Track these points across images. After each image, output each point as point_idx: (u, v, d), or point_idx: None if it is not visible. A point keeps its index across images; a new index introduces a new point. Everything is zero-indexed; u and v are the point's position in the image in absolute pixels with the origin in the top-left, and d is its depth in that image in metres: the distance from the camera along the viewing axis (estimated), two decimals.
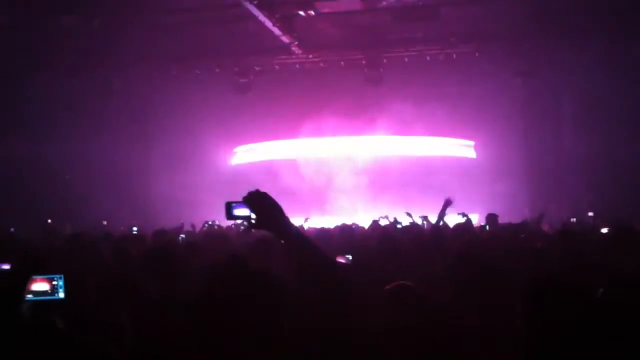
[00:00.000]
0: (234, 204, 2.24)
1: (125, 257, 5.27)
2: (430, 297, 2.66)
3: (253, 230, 2.23)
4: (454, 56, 13.95)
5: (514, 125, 15.14)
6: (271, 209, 2.17)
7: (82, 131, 14.39)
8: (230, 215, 2.25)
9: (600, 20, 11.81)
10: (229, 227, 10.23)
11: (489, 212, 9.07)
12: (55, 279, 2.91)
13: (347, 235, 7.55)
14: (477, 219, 9.69)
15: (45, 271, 2.93)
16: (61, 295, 2.89)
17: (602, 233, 6.46)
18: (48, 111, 13.83)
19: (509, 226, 7.75)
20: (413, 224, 8.95)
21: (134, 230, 9.49)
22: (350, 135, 16.17)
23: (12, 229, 10.52)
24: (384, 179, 15.43)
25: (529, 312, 2.43)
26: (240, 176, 16.72)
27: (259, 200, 2.17)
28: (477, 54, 13.78)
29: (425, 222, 9.34)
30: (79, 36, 12.13)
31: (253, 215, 2.17)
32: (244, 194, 2.19)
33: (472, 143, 16.86)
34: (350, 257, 4.41)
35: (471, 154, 16.73)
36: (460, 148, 16.81)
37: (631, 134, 13.33)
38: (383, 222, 9.27)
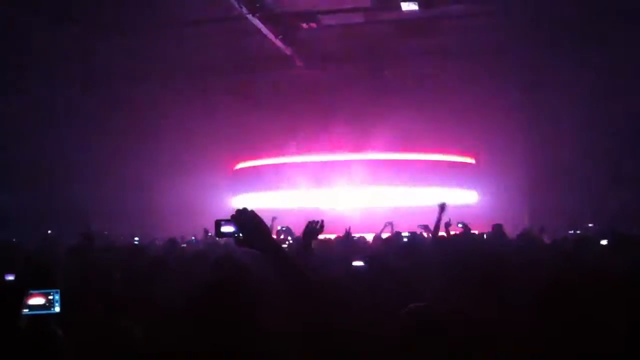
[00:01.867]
0: (222, 222, 2.34)
1: (128, 268, 5.32)
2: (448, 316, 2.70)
3: (239, 246, 2.32)
4: (456, 68, 14.05)
5: (515, 137, 15.17)
6: (257, 228, 2.29)
7: (85, 141, 14.44)
8: (218, 233, 2.35)
9: (600, 33, 11.88)
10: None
11: (495, 223, 9.10)
12: (52, 293, 2.97)
13: (348, 246, 7.58)
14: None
15: (44, 285, 2.98)
16: (57, 309, 2.95)
17: (601, 245, 6.47)
18: (51, 121, 13.90)
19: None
20: (415, 235, 8.96)
21: (135, 241, 9.55)
22: (351, 149, 16.15)
23: (14, 239, 10.55)
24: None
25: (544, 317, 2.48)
26: (242, 186, 16.87)
27: (246, 219, 2.29)
28: (479, 67, 13.88)
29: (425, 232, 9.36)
30: (81, 47, 12.21)
31: (240, 234, 2.28)
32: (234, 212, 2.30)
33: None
34: (362, 262, 4.44)
35: (472, 199, 16.65)
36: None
37: (631, 146, 13.36)
38: (384, 234, 9.26)
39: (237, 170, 17.69)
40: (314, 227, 4.04)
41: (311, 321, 2.27)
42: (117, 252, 6.92)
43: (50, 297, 2.94)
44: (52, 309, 2.93)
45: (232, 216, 2.30)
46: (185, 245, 9.36)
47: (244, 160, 17.37)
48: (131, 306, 3.59)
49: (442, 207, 7.68)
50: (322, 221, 4.10)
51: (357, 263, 4.46)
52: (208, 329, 2.25)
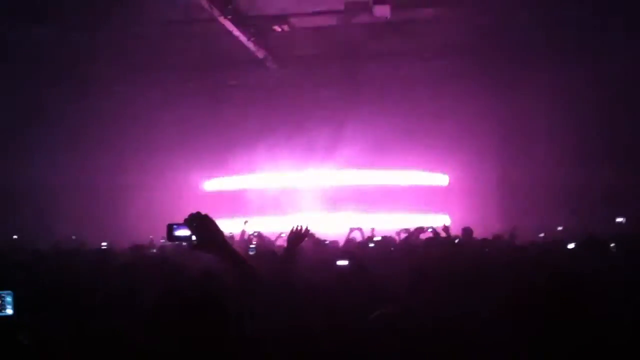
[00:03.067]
0: (175, 226, 2.30)
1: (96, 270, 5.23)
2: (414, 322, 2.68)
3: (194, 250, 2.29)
4: (429, 71, 14.14)
5: (487, 141, 15.29)
6: (211, 231, 2.27)
7: (52, 146, 14.18)
8: (171, 237, 2.31)
9: (577, 40, 12.06)
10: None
11: (464, 226, 9.18)
12: (3, 295, 2.89)
13: (321, 250, 7.55)
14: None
15: None
16: (9, 311, 2.88)
17: (568, 248, 6.52)
18: (19, 124, 13.61)
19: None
20: (387, 238, 8.97)
21: (102, 246, 9.39)
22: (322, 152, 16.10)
23: None
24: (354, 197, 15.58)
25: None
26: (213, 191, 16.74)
27: (199, 222, 2.26)
28: (452, 70, 13.99)
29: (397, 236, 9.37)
30: (52, 48, 12.00)
31: (194, 237, 2.25)
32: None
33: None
34: (347, 262, 4.52)
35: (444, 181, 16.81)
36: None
37: (604, 152, 13.56)
38: (354, 234, 9.25)
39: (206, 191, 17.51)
40: (298, 232, 3.99)
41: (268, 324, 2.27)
42: (84, 256, 6.80)
43: (2, 299, 2.87)
44: (4, 311, 2.86)
45: (186, 220, 2.26)
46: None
47: (213, 177, 17.17)
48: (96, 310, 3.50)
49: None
50: (307, 227, 4.04)
51: (341, 262, 4.55)
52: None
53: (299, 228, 3.98)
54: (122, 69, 13.54)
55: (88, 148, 15.19)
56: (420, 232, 7.98)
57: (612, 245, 5.89)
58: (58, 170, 14.30)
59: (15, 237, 12.01)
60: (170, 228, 2.29)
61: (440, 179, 16.86)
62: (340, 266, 4.45)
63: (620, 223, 9.82)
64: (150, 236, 11.08)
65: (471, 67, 13.85)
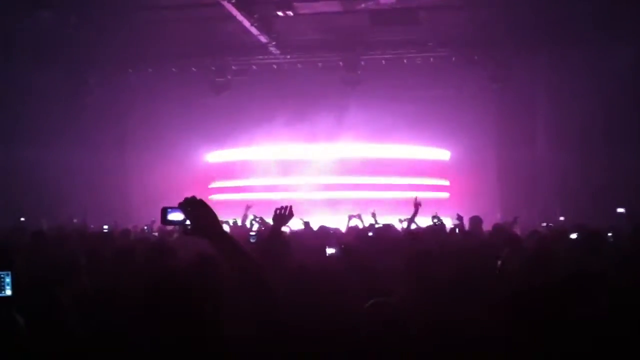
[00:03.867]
0: (169, 209, 2.27)
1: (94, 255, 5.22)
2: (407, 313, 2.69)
3: (187, 235, 2.26)
4: (431, 60, 14.09)
5: (488, 130, 15.27)
6: (206, 216, 2.23)
7: (55, 128, 14.16)
8: (165, 220, 2.28)
9: (576, 29, 11.99)
10: None
11: (473, 215, 9.12)
12: (2, 275, 2.87)
13: (323, 237, 7.54)
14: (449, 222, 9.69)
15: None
16: (8, 292, 2.87)
17: (571, 238, 6.53)
18: (19, 109, 13.57)
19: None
20: (388, 225, 8.95)
21: (104, 229, 9.41)
22: (324, 137, 16.08)
23: None
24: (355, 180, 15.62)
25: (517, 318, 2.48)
26: (215, 174, 16.77)
27: (194, 207, 2.23)
28: (454, 59, 13.93)
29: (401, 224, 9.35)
30: (54, 33, 11.95)
31: (188, 221, 2.22)
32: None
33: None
34: (334, 250, 4.62)
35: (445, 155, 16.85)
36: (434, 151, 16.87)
37: (603, 141, 13.52)
38: (354, 222, 9.24)
39: (209, 161, 17.53)
40: (282, 214, 4.01)
41: (262, 310, 2.24)
42: (85, 239, 6.82)
43: (1, 279, 2.86)
44: (3, 291, 2.85)
45: (180, 204, 2.23)
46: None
47: (216, 149, 17.19)
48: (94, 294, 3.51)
49: (417, 205, 7.76)
50: (290, 207, 4.06)
51: (330, 250, 4.57)
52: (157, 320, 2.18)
53: (283, 209, 4.00)
54: (124, 53, 13.52)
55: (91, 131, 15.16)
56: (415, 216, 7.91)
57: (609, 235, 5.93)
58: (61, 153, 14.30)
59: (22, 219, 11.99)
60: (165, 211, 2.26)
61: (442, 154, 16.87)
62: (330, 254, 4.45)
63: (621, 214, 9.80)
64: (153, 219, 11.09)
65: (473, 56, 13.78)
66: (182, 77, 14.89)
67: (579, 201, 12.80)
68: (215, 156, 17.42)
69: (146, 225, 11.16)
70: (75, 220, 11.62)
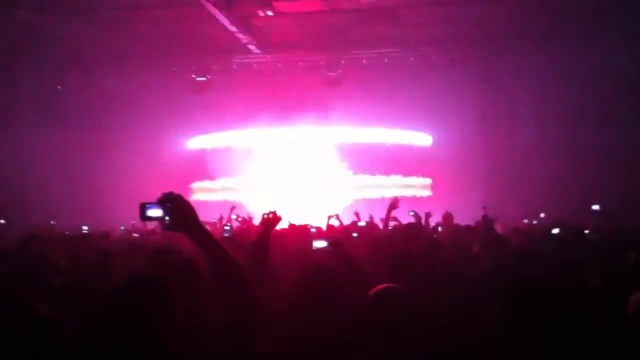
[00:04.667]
0: (147, 205, 2.24)
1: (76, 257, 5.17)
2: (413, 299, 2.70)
3: (166, 231, 2.27)
4: (412, 59, 14.11)
5: (472, 128, 15.33)
6: (185, 212, 2.22)
7: (32, 126, 13.99)
8: (143, 216, 2.26)
9: (559, 26, 12.08)
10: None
11: (446, 211, 9.20)
12: None
13: (302, 237, 7.52)
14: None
15: None
16: None
17: (552, 233, 6.59)
18: None
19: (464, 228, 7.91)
20: (370, 224, 8.96)
21: (83, 229, 9.30)
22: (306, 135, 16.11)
23: None
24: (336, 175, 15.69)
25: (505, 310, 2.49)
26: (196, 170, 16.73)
27: (173, 203, 2.21)
28: (433, 57, 13.98)
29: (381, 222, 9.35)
30: (33, 32, 11.80)
31: (167, 217, 2.20)
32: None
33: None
34: (325, 243, 4.55)
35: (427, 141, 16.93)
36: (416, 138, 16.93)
37: (587, 136, 13.63)
38: (332, 222, 9.23)
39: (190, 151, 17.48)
40: (270, 218, 3.98)
41: (240, 304, 2.23)
42: (63, 241, 6.74)
43: None
44: None
45: (159, 200, 2.22)
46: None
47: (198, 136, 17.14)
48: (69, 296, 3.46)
49: (392, 205, 7.75)
50: (275, 212, 4.03)
51: (319, 243, 4.59)
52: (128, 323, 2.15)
53: (270, 214, 4.00)
54: (103, 52, 13.40)
55: (69, 130, 15.01)
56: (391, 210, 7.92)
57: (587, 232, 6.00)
58: (38, 153, 14.16)
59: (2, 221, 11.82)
60: (143, 207, 2.24)
61: (424, 140, 16.93)
62: (318, 247, 4.47)
63: (595, 211, 9.94)
64: (133, 222, 11.01)
65: (457, 54, 13.84)
66: (162, 77, 14.79)
67: (561, 197, 12.90)
68: (195, 146, 17.36)
69: (122, 226, 11.07)
70: (52, 222, 11.47)
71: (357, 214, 9.60)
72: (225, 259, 2.26)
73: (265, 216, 3.99)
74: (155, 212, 2.22)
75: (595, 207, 10.24)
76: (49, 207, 13.12)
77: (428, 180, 16.73)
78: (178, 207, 2.21)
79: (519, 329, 2.41)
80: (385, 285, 2.75)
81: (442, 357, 2.65)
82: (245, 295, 2.26)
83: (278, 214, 4.03)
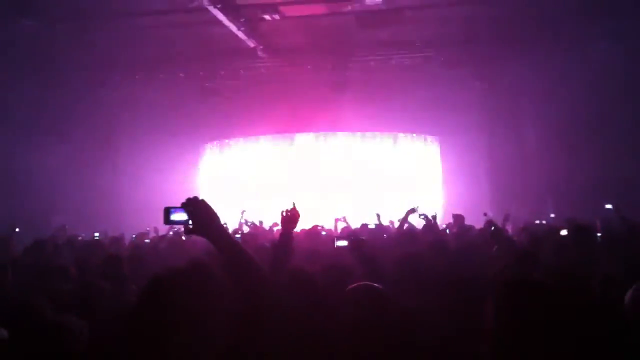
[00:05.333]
0: (172, 209, 2.33)
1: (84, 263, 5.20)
2: (392, 298, 2.71)
3: (189, 234, 2.31)
4: (419, 60, 14.11)
5: (479, 128, 15.32)
6: (208, 216, 2.28)
7: (44, 136, 14.09)
8: (167, 220, 2.34)
9: (563, 25, 12.04)
10: None
11: (455, 213, 9.20)
12: None
13: (313, 238, 7.57)
14: (440, 219, 9.76)
15: None
16: None
17: (560, 235, 6.56)
18: (5, 116, 13.51)
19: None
20: (381, 226, 8.98)
21: (95, 236, 9.35)
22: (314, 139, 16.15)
23: None
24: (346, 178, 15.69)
25: (501, 311, 2.49)
26: (208, 180, 16.76)
27: (196, 207, 2.28)
28: (442, 59, 13.96)
29: (391, 224, 9.36)
30: (40, 41, 11.89)
31: (190, 221, 2.27)
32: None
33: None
34: (346, 242, 4.70)
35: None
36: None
37: (593, 137, 13.57)
38: (340, 225, 9.27)
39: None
40: (289, 216, 3.89)
41: (260, 310, 2.24)
42: (75, 247, 6.79)
43: None
44: None
45: (183, 204, 2.28)
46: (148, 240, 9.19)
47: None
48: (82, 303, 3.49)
49: (411, 211, 7.79)
50: (294, 208, 3.94)
51: (341, 242, 4.74)
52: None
53: (289, 211, 3.90)
54: (110, 60, 13.47)
55: (79, 139, 15.12)
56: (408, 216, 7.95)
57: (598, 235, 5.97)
58: (50, 161, 14.24)
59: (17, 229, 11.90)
60: (167, 211, 2.32)
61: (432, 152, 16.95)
62: (340, 245, 4.62)
63: (609, 210, 9.84)
64: (147, 228, 11.08)
65: (461, 55, 13.81)
66: (170, 83, 14.86)
67: (569, 198, 12.85)
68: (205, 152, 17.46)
69: (134, 235, 11.13)
70: (67, 227, 11.55)
71: (378, 216, 9.55)
72: (247, 263, 2.28)
73: (284, 214, 3.89)
74: (179, 216, 2.30)
75: (609, 205, 10.15)
76: (62, 215, 13.21)
77: (435, 181, 16.73)
78: (201, 211, 2.27)
79: (512, 330, 2.41)
80: (361, 283, 2.78)
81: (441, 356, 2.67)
82: (261, 301, 2.27)
83: (297, 210, 3.93)
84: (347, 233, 7.75)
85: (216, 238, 2.27)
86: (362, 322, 2.56)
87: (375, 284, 2.81)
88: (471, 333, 2.67)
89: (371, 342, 2.52)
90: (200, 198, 2.30)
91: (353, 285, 2.75)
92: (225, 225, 8.32)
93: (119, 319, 2.72)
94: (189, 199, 2.28)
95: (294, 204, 3.96)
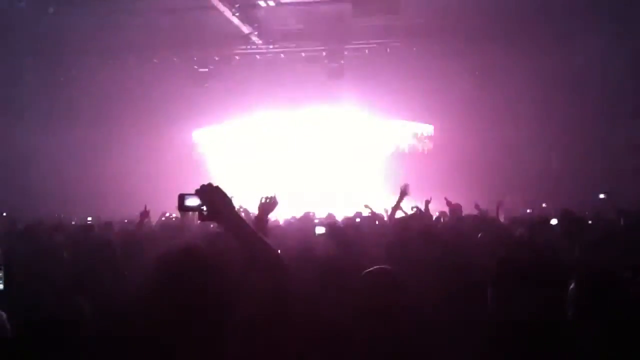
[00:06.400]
0: (186, 195, 2.36)
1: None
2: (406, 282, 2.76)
3: (203, 221, 2.34)
4: (414, 49, 14.10)
5: (471, 117, 15.31)
6: (222, 202, 2.30)
7: (36, 120, 14.04)
8: (182, 206, 2.37)
9: (563, 23, 12.10)
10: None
11: (456, 203, 9.19)
12: None
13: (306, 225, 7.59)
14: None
15: None
16: (0, 286, 2.88)
17: (551, 224, 6.59)
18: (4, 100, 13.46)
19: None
20: (374, 215, 9.00)
21: (88, 220, 9.34)
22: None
23: None
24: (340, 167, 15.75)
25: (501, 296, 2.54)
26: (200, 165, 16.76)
27: (210, 193, 2.30)
28: (437, 48, 13.95)
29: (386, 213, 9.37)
30: (35, 23, 11.82)
31: (204, 207, 2.30)
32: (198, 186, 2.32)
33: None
34: (324, 229, 4.77)
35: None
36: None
37: (584, 127, 13.64)
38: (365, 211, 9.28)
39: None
40: (267, 202, 4.03)
41: (278, 294, 2.28)
42: (68, 232, 6.80)
43: None
44: None
45: (197, 190, 2.31)
46: None
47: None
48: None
49: (403, 192, 7.77)
50: (274, 196, 4.07)
51: (319, 230, 4.79)
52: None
53: (267, 198, 4.03)
54: (106, 43, 13.39)
55: (78, 123, 15.07)
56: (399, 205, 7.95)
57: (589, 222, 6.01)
58: (45, 146, 14.23)
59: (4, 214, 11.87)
60: (182, 198, 2.35)
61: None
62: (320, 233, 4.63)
63: (603, 199, 9.92)
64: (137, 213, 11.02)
65: (456, 45, 13.80)
66: (164, 68, 14.80)
67: (561, 187, 12.93)
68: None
69: (126, 219, 11.07)
70: (62, 215, 11.53)
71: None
72: (261, 246, 2.32)
73: (263, 201, 4.02)
74: (193, 202, 2.33)
75: (602, 195, 10.22)
76: (54, 201, 13.18)
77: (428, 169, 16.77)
78: (214, 197, 2.29)
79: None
80: (376, 267, 2.83)
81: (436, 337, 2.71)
82: (282, 281, 2.32)
83: (276, 198, 4.05)
84: (327, 222, 7.83)
85: (230, 224, 2.30)
86: (378, 303, 2.61)
87: (388, 267, 2.87)
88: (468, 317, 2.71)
89: (387, 323, 2.56)
90: (214, 184, 2.32)
91: (369, 269, 2.80)
92: (242, 210, 8.32)
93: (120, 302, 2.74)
94: (202, 186, 2.31)
95: (274, 195, 4.06)
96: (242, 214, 8.60)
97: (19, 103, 13.74)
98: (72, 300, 2.74)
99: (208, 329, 2.14)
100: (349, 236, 4.75)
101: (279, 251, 2.38)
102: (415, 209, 8.21)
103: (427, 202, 8.41)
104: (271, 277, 2.31)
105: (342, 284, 2.98)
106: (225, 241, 4.21)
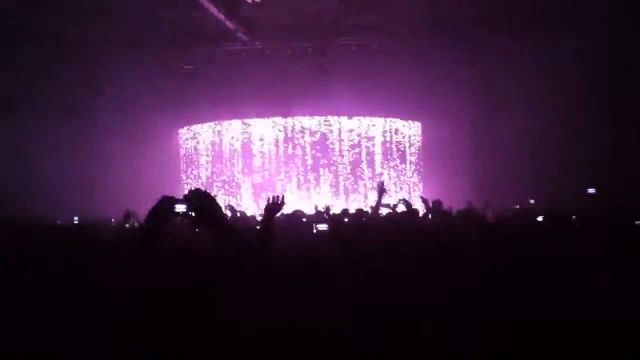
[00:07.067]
0: (175, 201, 2.40)
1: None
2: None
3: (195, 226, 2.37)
4: (402, 44, 14.10)
5: (462, 114, 15.33)
6: (209, 207, 2.35)
7: (18, 116, 13.86)
8: (170, 212, 2.42)
9: (549, 12, 12.16)
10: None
11: (435, 199, 9.20)
12: None
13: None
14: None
15: None
16: None
17: (537, 221, 6.61)
18: None
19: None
20: (361, 211, 9.00)
21: (75, 220, 9.26)
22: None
23: None
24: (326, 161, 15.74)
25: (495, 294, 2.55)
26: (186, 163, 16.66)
27: (198, 199, 2.35)
28: (425, 43, 13.97)
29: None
30: (17, 18, 11.68)
31: (193, 213, 2.34)
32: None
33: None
34: (326, 226, 4.70)
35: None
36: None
37: (576, 126, 13.72)
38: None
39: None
40: (275, 203, 3.94)
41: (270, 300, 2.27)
42: (56, 233, 6.70)
43: None
44: None
45: (185, 196, 2.35)
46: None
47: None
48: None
49: (381, 188, 7.73)
50: (283, 197, 3.98)
51: (322, 226, 4.71)
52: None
53: (275, 198, 3.95)
54: (89, 38, 13.25)
55: (60, 120, 14.89)
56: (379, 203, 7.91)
57: (573, 217, 6.04)
58: (27, 142, 14.07)
59: None
60: (170, 203, 2.37)
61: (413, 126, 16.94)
62: (321, 230, 4.60)
63: (591, 194, 9.94)
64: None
65: (445, 41, 13.82)
66: (149, 65, 14.66)
67: (550, 183, 13.01)
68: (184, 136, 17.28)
69: (113, 219, 10.97)
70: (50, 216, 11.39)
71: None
72: (248, 251, 2.34)
73: (270, 201, 3.93)
74: (182, 208, 2.36)
75: (591, 190, 10.23)
76: (40, 199, 13.04)
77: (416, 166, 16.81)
78: (203, 203, 2.33)
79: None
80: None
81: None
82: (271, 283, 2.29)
83: (284, 199, 3.96)
84: (330, 217, 7.75)
85: (218, 228, 2.31)
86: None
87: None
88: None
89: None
90: (203, 190, 2.37)
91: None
92: (227, 207, 8.20)
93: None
94: (190, 191, 2.35)
95: (283, 196, 3.98)
96: (229, 214, 8.56)
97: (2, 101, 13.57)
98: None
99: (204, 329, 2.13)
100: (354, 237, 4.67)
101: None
102: (401, 201, 8.15)
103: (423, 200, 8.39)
104: (259, 281, 2.29)
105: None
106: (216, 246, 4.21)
